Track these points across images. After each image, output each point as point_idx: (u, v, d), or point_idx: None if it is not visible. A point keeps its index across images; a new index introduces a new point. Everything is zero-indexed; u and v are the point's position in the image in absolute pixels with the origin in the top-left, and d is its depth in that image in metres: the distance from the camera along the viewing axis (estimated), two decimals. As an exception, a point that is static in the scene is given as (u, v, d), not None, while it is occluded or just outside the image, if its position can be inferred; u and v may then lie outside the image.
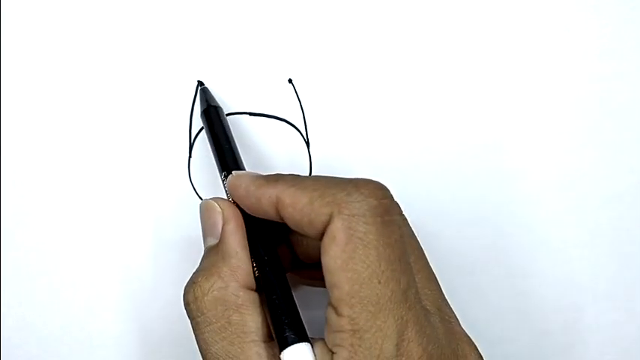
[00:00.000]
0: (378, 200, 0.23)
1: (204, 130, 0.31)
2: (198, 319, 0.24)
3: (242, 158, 0.29)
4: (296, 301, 0.25)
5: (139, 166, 0.32)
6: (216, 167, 0.29)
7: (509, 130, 0.33)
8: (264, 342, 0.24)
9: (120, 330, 0.32)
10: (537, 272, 0.33)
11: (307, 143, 0.33)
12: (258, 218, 0.26)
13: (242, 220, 0.26)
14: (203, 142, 0.32)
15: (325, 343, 0.23)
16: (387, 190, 0.24)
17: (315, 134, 0.33)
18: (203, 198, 0.32)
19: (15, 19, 0.32)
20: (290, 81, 0.32)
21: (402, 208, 0.26)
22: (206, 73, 0.32)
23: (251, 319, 0.24)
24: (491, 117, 0.33)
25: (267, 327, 0.25)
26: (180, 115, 0.32)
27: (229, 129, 0.30)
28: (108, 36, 0.32)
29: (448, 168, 0.33)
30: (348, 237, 0.22)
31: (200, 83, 0.32)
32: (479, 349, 0.25)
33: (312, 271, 0.29)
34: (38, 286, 0.32)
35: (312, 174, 0.32)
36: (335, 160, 0.33)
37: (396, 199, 0.25)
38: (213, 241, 0.26)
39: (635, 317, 0.33)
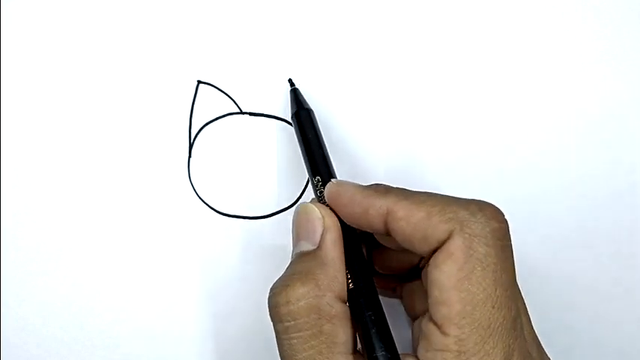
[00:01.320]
0: (499, 223, 0.23)
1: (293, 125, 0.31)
2: (288, 324, 0.24)
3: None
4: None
5: (138, 166, 0.32)
6: (306, 171, 0.29)
7: (509, 130, 0.33)
8: (352, 354, 0.24)
9: (120, 330, 0.32)
10: (537, 272, 0.33)
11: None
12: (350, 228, 0.26)
13: (340, 231, 0.26)
14: (203, 143, 0.32)
15: (418, 358, 0.23)
16: (504, 215, 0.24)
17: (315, 134, 0.33)
18: (203, 198, 0.32)
19: (15, 19, 0.32)
20: (290, 81, 0.32)
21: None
22: (206, 73, 0.32)
23: (342, 331, 0.24)
24: (492, 117, 0.33)
25: (355, 340, 0.24)
26: (180, 115, 0.32)
27: (321, 134, 0.30)
28: (108, 36, 0.32)
29: (448, 167, 0.33)
30: (467, 256, 0.22)
31: (291, 83, 0.32)
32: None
33: (383, 282, 0.29)
34: (38, 286, 0.32)
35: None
36: (335, 161, 0.33)
37: None
38: (308, 247, 0.25)
39: (635, 317, 0.33)
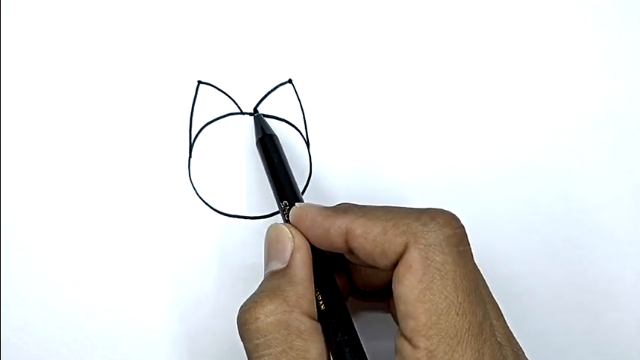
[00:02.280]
0: (453, 230, 0.23)
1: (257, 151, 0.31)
2: (257, 342, 0.24)
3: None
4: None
5: (138, 166, 0.32)
6: (273, 195, 0.29)
7: (509, 130, 0.33)
8: None
9: (120, 330, 0.32)
10: (537, 273, 0.33)
11: (307, 143, 0.33)
12: (318, 249, 0.26)
13: (310, 251, 0.26)
14: (203, 143, 0.32)
15: None
16: (459, 220, 0.24)
17: (315, 134, 0.33)
18: (203, 198, 0.32)
19: (15, 19, 0.32)
20: (290, 81, 0.32)
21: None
22: (206, 73, 0.32)
23: (313, 347, 0.24)
24: (492, 117, 0.33)
25: (328, 356, 0.24)
26: (181, 115, 0.32)
27: (286, 158, 0.30)
28: (108, 36, 0.32)
29: (448, 167, 0.33)
30: (425, 267, 0.22)
31: (255, 111, 0.32)
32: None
33: (370, 299, 0.29)
34: (38, 286, 0.32)
35: (313, 174, 0.32)
36: (335, 161, 0.33)
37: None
38: (278, 266, 0.26)
39: (635, 317, 0.33)
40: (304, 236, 0.26)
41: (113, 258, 0.32)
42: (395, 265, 0.23)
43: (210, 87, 0.32)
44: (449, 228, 0.23)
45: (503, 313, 0.25)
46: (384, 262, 0.23)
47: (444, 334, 0.22)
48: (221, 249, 0.32)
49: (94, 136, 0.32)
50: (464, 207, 0.33)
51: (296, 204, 0.27)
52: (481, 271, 0.25)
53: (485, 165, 0.33)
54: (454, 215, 0.24)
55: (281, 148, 0.31)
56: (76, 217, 0.32)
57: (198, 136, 0.32)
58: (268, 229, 0.27)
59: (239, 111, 0.33)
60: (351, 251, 0.25)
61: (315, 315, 0.25)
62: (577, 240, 0.33)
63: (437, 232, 0.22)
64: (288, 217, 0.28)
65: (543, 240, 0.33)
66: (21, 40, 0.32)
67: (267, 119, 0.32)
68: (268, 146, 0.30)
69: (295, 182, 0.29)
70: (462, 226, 0.24)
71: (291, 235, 0.26)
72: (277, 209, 0.32)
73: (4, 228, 0.32)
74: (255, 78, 0.32)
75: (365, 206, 0.25)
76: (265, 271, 0.27)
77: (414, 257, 0.22)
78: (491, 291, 0.25)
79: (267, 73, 0.32)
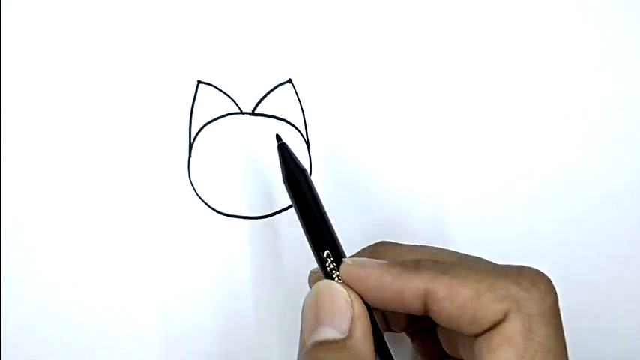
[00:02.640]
0: (553, 297, 0.21)
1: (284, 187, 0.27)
2: None
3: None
4: None
5: (138, 166, 0.32)
6: (307, 243, 0.25)
7: (509, 130, 0.33)
8: None
9: (120, 330, 0.32)
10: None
11: (307, 143, 0.33)
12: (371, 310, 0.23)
13: (369, 319, 0.23)
14: (203, 143, 0.32)
15: None
16: (553, 284, 0.22)
17: (315, 134, 0.33)
18: (203, 198, 0.32)
19: (15, 19, 0.32)
20: (290, 81, 0.32)
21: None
22: (206, 73, 0.32)
23: None
24: (492, 117, 0.33)
25: None
26: (180, 115, 0.32)
27: (318, 195, 0.26)
28: (108, 36, 0.32)
29: (448, 167, 0.33)
30: (527, 341, 0.20)
31: (278, 138, 0.27)
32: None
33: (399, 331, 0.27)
34: (38, 286, 0.32)
35: (313, 174, 0.32)
36: (335, 161, 0.33)
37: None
38: (335, 335, 0.22)
39: (635, 317, 0.33)
40: (360, 298, 0.23)
41: (113, 258, 0.32)
42: (484, 332, 0.21)
43: (210, 87, 0.32)
44: (550, 296, 0.21)
45: None
46: (472, 329, 0.21)
47: None
48: (221, 249, 0.32)
49: (94, 136, 0.32)
50: (463, 207, 0.33)
51: (346, 260, 0.23)
52: None
53: (485, 165, 0.33)
54: (549, 279, 0.22)
55: (313, 186, 0.26)
56: (76, 217, 0.32)
57: (198, 136, 0.32)
58: (318, 285, 0.23)
59: (239, 111, 0.33)
60: (425, 313, 0.22)
61: None
62: (577, 240, 0.33)
63: (540, 302, 0.20)
64: (331, 270, 0.24)
65: (543, 240, 0.33)
66: (21, 40, 0.32)
67: (267, 119, 0.32)
68: (301, 185, 0.25)
69: (333, 228, 0.25)
70: (555, 290, 0.22)
71: (349, 299, 0.22)
72: (278, 209, 0.32)
73: (4, 228, 0.32)
74: (255, 78, 0.32)
75: (438, 261, 0.22)
76: (311, 337, 0.22)
77: (515, 329, 0.20)
78: None
79: (267, 72, 0.32)
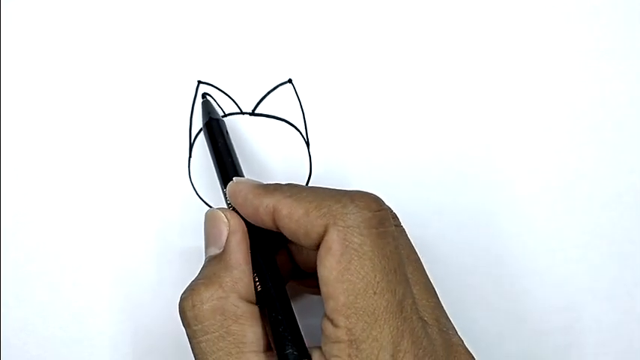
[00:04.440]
0: (373, 212, 0.23)
1: (203, 134, 0.31)
2: (195, 328, 0.24)
3: (242, 168, 0.29)
4: (295, 311, 0.25)
5: (139, 166, 0.32)
6: (218, 180, 0.29)
7: (509, 130, 0.33)
8: (263, 352, 0.24)
9: (119, 330, 0.32)
10: (537, 272, 0.33)
11: (307, 143, 0.33)
12: (259, 228, 0.26)
13: (247, 233, 0.26)
14: (203, 143, 0.32)
15: (322, 353, 0.23)
16: (382, 202, 0.24)
17: (315, 134, 0.33)
18: (203, 198, 0.32)
19: (15, 19, 0.32)
20: (290, 81, 0.32)
21: (400, 210, 0.26)
22: (206, 73, 0.32)
23: (250, 331, 0.24)
24: (491, 118, 0.33)
25: (267, 338, 0.25)
26: (180, 115, 0.32)
27: (231, 142, 0.30)
28: (108, 36, 0.32)
29: (447, 168, 0.33)
30: (343, 248, 0.23)
31: (203, 95, 0.32)
32: (477, 351, 0.25)
33: (312, 280, 0.29)
34: (38, 286, 0.32)
35: (313, 174, 0.32)
36: (335, 161, 0.33)
37: (394, 210, 0.25)
38: (215, 251, 0.26)
39: (635, 317, 0.33)
40: (241, 217, 0.26)
41: (113, 258, 0.32)
42: (318, 246, 0.23)
43: (210, 87, 0.32)
44: (368, 210, 0.23)
45: (438, 295, 0.25)
46: (308, 242, 0.24)
47: (361, 312, 0.22)
48: (221, 249, 0.32)
49: (94, 136, 0.32)
50: (463, 208, 0.33)
51: (234, 178, 0.27)
52: (419, 255, 0.26)
53: (485, 165, 0.33)
54: (376, 197, 0.24)
55: (227, 133, 0.30)
56: (76, 217, 0.32)
57: (199, 136, 0.32)
58: (205, 215, 0.27)
59: (239, 111, 0.33)
60: (278, 230, 0.25)
61: (254, 298, 0.25)
62: (577, 240, 0.33)
63: (355, 215, 0.23)
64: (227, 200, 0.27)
65: (543, 240, 0.33)
66: (21, 40, 0.32)
67: (267, 119, 0.32)
68: (214, 131, 0.30)
69: (240, 168, 0.29)
70: (385, 208, 0.24)
71: (226, 220, 0.26)
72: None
73: (4, 228, 0.32)
74: (255, 78, 0.32)
75: (295, 186, 0.25)
76: (205, 257, 0.27)
77: (333, 239, 0.23)
78: (427, 273, 0.26)
79: (267, 72, 0.32)
